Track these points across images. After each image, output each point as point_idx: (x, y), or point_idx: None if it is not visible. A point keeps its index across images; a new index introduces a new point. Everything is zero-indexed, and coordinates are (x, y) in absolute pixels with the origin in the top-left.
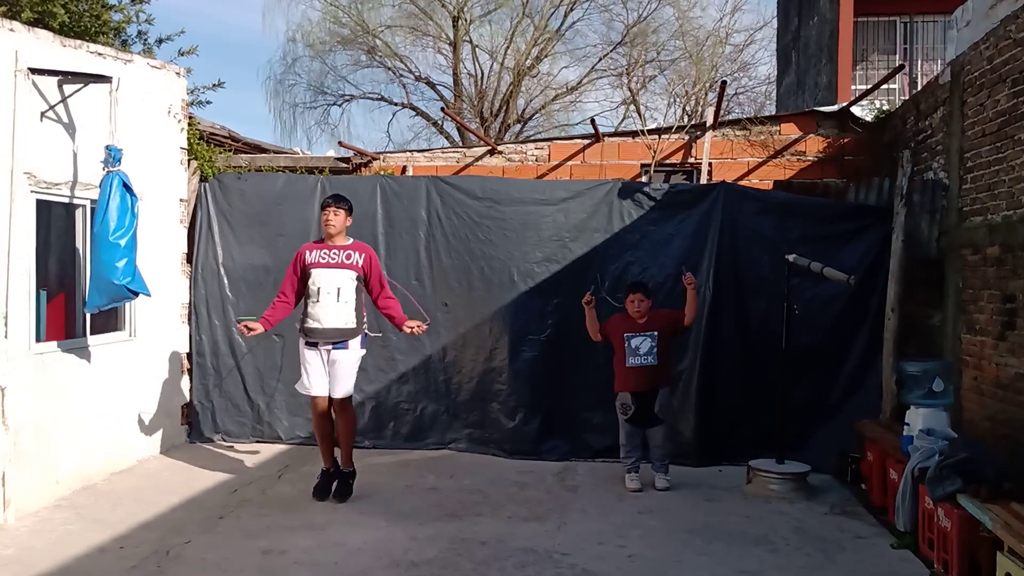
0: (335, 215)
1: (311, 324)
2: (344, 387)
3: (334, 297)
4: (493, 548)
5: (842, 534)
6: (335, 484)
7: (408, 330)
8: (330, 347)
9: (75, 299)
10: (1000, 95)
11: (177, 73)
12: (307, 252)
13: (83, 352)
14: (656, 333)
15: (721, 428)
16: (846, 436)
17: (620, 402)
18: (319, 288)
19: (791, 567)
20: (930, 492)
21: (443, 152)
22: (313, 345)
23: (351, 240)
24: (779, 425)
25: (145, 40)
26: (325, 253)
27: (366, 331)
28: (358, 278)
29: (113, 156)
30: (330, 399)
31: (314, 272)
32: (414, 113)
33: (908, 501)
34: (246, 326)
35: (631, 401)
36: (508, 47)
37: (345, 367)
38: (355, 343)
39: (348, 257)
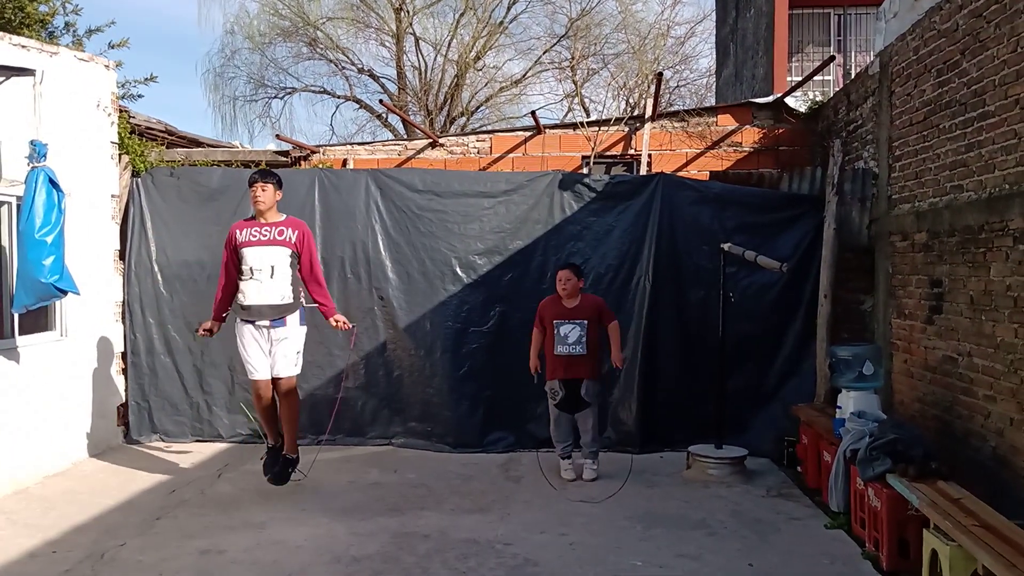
0: (263, 191)
1: (245, 301)
2: (287, 367)
3: (268, 274)
4: (436, 541)
5: (777, 516)
6: (276, 466)
7: (335, 324)
8: (267, 324)
9: (2, 299)
10: (926, 85)
11: (106, 66)
12: (237, 232)
13: (11, 353)
14: (586, 322)
15: (662, 415)
16: (783, 420)
17: (549, 387)
18: (251, 267)
19: (727, 550)
20: (860, 473)
21: (384, 145)
22: (250, 323)
23: (283, 216)
24: (717, 411)
25: (74, 32)
26: (256, 231)
27: (304, 305)
28: (292, 255)
29: (38, 151)
30: (274, 381)
31: (246, 251)
32: (358, 106)
33: (840, 482)
34: (205, 329)
35: (559, 387)
36: (452, 39)
37: (286, 346)
38: (293, 319)
39: (280, 233)
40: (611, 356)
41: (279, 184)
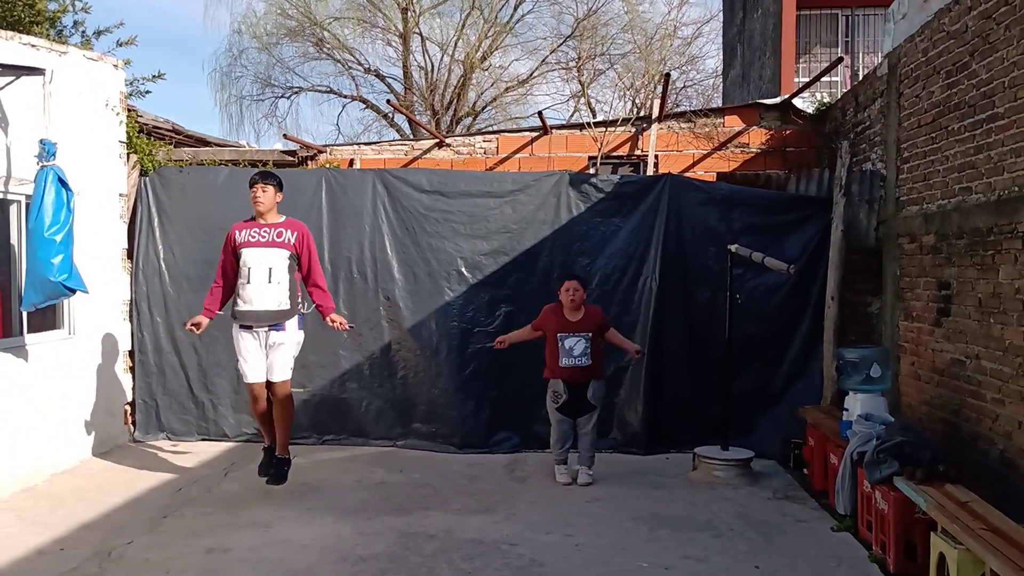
0: (263, 191)
1: (243, 307)
2: (282, 371)
3: (265, 278)
4: (442, 541)
5: (784, 518)
6: (271, 468)
7: (331, 323)
8: (266, 329)
9: (11, 297)
10: (934, 87)
11: (115, 65)
12: (236, 232)
13: (20, 351)
14: (590, 334)
15: (668, 416)
16: (789, 422)
17: (552, 389)
18: (249, 269)
19: (733, 551)
20: (868, 475)
21: (391, 145)
22: (247, 328)
23: (283, 217)
24: (724, 412)
25: (83, 32)
26: (255, 232)
27: (302, 312)
28: (291, 257)
29: (47, 150)
30: (268, 384)
31: (244, 252)
32: (364, 106)
33: (847, 485)
34: (194, 324)
35: (563, 390)
36: (458, 39)
37: (284, 350)
38: (292, 324)
39: (279, 235)
40: (628, 351)
41: (279, 186)
